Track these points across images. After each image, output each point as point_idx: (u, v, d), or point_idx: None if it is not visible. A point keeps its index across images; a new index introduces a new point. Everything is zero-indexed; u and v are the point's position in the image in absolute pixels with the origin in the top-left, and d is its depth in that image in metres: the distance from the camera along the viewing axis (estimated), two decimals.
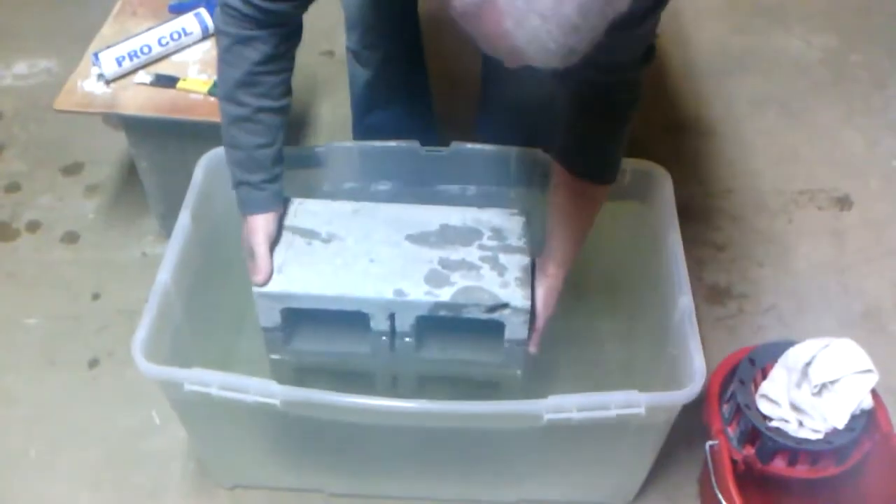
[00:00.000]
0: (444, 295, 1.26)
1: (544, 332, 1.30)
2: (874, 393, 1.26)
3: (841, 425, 1.23)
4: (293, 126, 1.52)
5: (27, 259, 1.81)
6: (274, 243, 1.30)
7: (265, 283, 1.27)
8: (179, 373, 1.18)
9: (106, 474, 1.48)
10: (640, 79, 1.14)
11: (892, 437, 1.25)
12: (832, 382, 1.24)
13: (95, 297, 1.73)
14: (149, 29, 1.64)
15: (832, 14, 2.38)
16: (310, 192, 1.43)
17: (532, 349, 1.30)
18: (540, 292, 1.28)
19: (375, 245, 1.32)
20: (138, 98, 1.57)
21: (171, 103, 1.56)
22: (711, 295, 1.74)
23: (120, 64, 1.58)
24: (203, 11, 1.66)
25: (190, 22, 1.65)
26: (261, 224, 1.27)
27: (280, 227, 1.32)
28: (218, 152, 1.45)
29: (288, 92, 1.23)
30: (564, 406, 1.15)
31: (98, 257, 1.81)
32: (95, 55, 1.59)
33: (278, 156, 1.26)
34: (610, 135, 1.19)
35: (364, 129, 1.76)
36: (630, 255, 1.53)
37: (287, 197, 1.35)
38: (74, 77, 1.61)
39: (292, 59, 1.22)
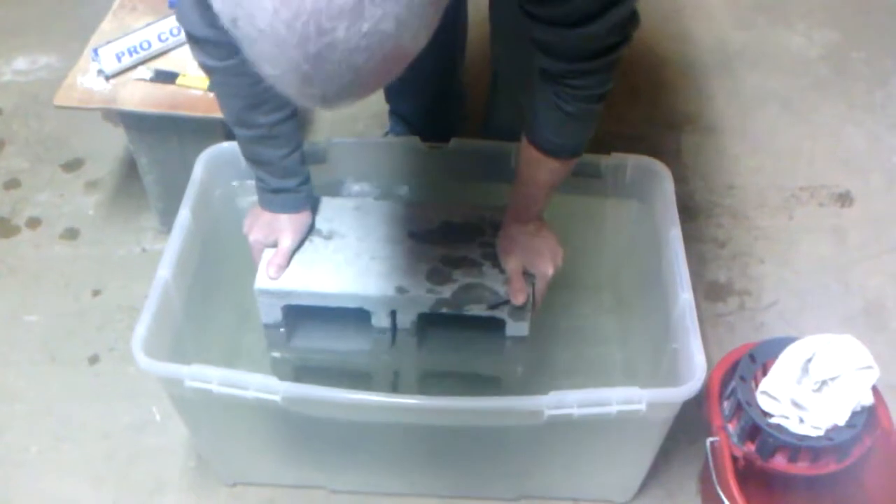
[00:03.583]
0: (446, 292, 1.26)
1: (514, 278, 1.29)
2: (875, 389, 1.26)
3: (842, 422, 1.23)
4: None
5: (27, 255, 1.81)
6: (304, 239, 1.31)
7: (278, 277, 1.27)
8: (179, 369, 1.17)
9: (106, 470, 1.48)
10: (601, 70, 1.07)
11: (892, 433, 1.25)
12: (833, 379, 1.24)
13: (96, 293, 1.73)
14: (148, 24, 1.63)
15: (834, 10, 2.38)
16: None
17: (516, 300, 1.27)
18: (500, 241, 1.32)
19: (377, 242, 1.32)
20: (138, 94, 1.57)
21: (170, 99, 1.56)
22: (712, 291, 1.73)
23: (119, 60, 1.58)
24: None
25: None
26: (295, 222, 1.29)
27: (313, 223, 1.33)
28: (217, 148, 1.45)
29: None
30: (565, 402, 1.15)
31: (98, 253, 1.81)
32: (95, 51, 1.58)
33: (302, 155, 1.27)
34: (570, 119, 1.13)
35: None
36: (631, 251, 1.53)
37: None
38: (74, 73, 1.60)
39: None
